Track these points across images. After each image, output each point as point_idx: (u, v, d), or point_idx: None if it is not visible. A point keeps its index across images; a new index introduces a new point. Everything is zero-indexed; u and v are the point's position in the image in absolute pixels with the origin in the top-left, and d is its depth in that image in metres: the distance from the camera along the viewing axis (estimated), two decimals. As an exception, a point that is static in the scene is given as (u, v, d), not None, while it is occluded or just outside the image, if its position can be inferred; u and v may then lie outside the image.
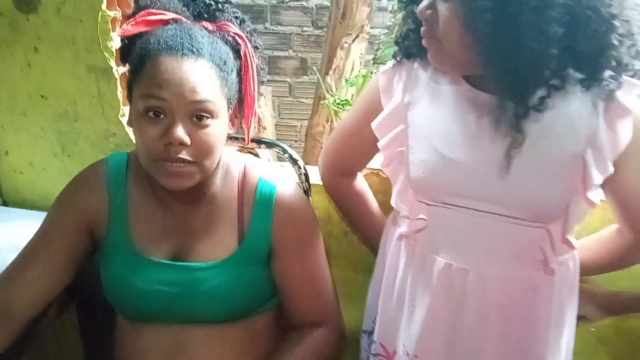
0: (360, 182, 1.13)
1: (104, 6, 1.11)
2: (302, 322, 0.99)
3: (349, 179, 1.12)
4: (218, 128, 0.84)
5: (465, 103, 0.85)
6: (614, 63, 0.78)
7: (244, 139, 1.09)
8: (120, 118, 1.22)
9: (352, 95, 2.30)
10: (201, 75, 0.81)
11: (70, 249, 0.94)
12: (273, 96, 2.73)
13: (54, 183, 1.29)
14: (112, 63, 1.16)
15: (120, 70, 1.18)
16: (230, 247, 0.93)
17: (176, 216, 0.94)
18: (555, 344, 0.89)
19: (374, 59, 2.31)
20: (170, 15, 0.86)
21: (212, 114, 0.83)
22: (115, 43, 1.15)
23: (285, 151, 1.13)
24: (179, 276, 0.91)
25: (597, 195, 0.82)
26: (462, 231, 0.87)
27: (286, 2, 2.67)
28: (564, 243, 0.85)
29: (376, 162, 1.09)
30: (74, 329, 1.19)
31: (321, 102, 2.30)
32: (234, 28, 0.89)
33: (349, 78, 2.20)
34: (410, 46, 0.91)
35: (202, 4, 0.89)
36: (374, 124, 0.93)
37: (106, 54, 1.16)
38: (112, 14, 1.12)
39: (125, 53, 0.88)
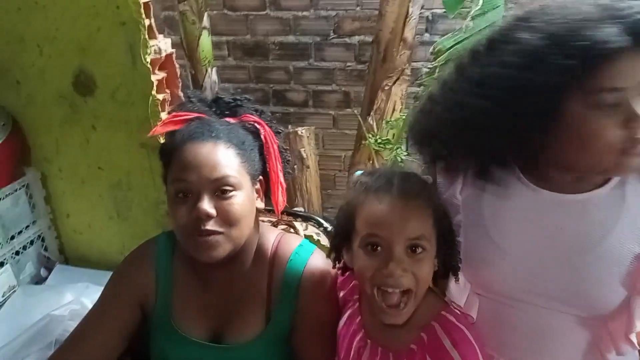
0: None
1: (154, 92, 1.20)
2: None
3: None
4: (242, 199, 0.92)
5: (526, 201, 0.85)
6: None
7: (283, 213, 1.16)
8: (169, 188, 1.31)
9: (394, 135, 2.33)
10: (220, 155, 0.91)
11: (123, 322, 1.03)
12: (317, 128, 2.79)
13: (110, 244, 1.40)
14: (163, 141, 1.25)
15: (169, 147, 1.26)
16: (258, 328, 0.99)
17: (213, 295, 1.01)
18: None
19: (415, 97, 2.32)
20: (193, 114, 0.97)
21: (234, 187, 0.91)
22: (165, 123, 1.24)
23: (320, 224, 1.19)
24: (213, 356, 0.99)
25: None
26: (511, 325, 0.87)
27: (329, 40, 2.72)
28: (626, 342, 0.82)
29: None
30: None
31: (363, 142, 2.35)
32: (253, 117, 0.99)
33: (390, 119, 2.23)
34: None
35: (223, 104, 1.01)
36: None
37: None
38: (160, 97, 1.21)
39: (161, 152, 0.99)
